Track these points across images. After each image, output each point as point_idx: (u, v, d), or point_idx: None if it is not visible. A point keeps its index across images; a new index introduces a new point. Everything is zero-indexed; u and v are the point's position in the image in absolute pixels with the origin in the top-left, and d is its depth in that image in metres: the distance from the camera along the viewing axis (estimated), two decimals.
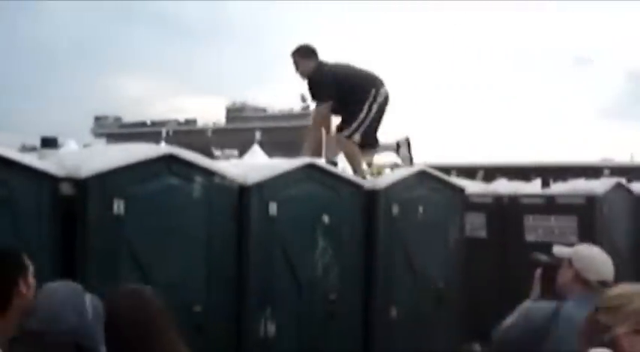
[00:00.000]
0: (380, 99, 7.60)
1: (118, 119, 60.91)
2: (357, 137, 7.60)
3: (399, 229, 7.24)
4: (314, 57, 7.66)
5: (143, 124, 57.33)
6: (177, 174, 5.58)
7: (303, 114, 57.76)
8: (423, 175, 7.66)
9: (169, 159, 5.54)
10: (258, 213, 6.02)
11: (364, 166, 7.83)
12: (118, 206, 5.17)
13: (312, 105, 8.14)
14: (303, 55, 7.66)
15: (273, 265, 6.18)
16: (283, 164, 6.52)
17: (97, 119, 60.56)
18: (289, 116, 58.65)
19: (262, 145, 24.02)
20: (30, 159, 5.06)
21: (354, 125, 7.57)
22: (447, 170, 9.32)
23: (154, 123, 57.08)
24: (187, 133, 52.36)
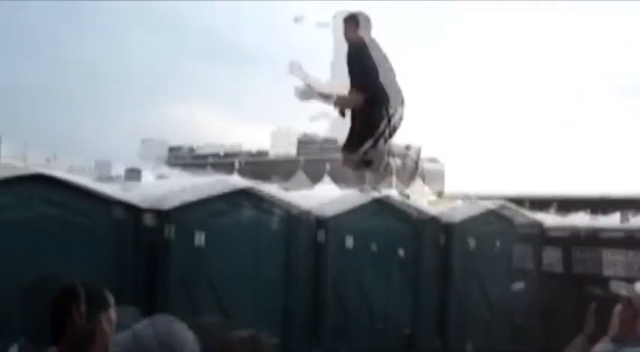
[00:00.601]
0: (394, 120, 6.99)
1: (191, 149, 61.92)
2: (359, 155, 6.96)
3: (475, 263, 7.17)
4: (357, 26, 7.01)
5: (216, 155, 58.19)
6: (255, 207, 5.66)
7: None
8: (500, 209, 7.57)
9: (248, 193, 5.63)
10: (335, 246, 6.05)
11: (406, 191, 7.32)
12: (199, 238, 5.27)
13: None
14: (353, 21, 7.02)
15: (349, 298, 6.20)
16: (359, 197, 6.54)
17: (172, 149, 61.61)
18: None
19: (332, 176, 24.05)
20: (114, 190, 5.21)
21: (365, 146, 6.91)
22: (519, 202, 9.19)
23: (226, 154, 57.92)
24: (259, 164, 52.83)
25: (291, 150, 63.73)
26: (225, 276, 5.46)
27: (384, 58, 7.05)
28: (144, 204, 5.21)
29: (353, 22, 7.01)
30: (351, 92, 6.99)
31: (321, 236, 6.00)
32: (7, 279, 4.64)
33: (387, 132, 6.93)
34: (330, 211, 6.04)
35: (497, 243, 7.38)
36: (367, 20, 7.09)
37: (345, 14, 7.08)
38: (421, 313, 6.72)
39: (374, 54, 6.95)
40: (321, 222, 6.00)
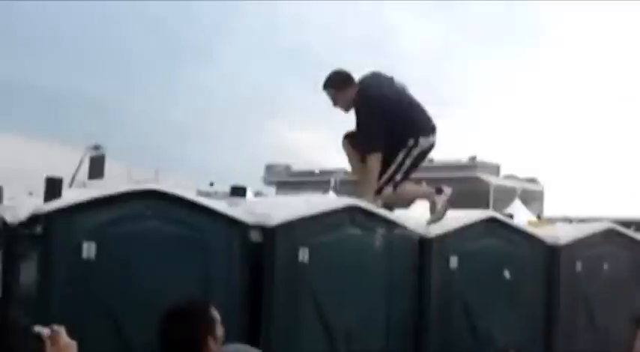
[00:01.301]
0: (415, 152, 6.50)
1: (287, 167, 62.51)
2: (389, 190, 6.48)
3: (582, 287, 6.97)
4: (351, 84, 6.52)
5: (311, 173, 58.58)
6: (359, 224, 5.66)
7: (470, 165, 57.12)
8: (609, 232, 7.34)
9: (352, 210, 5.64)
10: (439, 266, 5.99)
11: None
12: (303, 254, 5.30)
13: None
14: (339, 86, 6.51)
15: (453, 319, 6.11)
16: (464, 217, 6.46)
17: (268, 167, 62.29)
18: (456, 167, 58.11)
19: None
20: (223, 207, 5.29)
21: (384, 179, 6.46)
22: (625, 224, 8.89)
23: (322, 172, 58.26)
24: (353, 184, 52.91)
25: None
26: (329, 293, 5.47)
27: (391, 87, 6.64)
28: (250, 220, 5.28)
29: (333, 91, 6.54)
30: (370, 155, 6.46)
31: (424, 255, 5.94)
32: (120, 293, 4.80)
33: (406, 163, 6.49)
34: (434, 231, 5.98)
35: (606, 267, 7.15)
36: (342, 79, 6.54)
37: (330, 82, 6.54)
38: (525, 337, 6.56)
39: (373, 96, 6.51)
40: (425, 242, 5.94)
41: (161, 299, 4.87)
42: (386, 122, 6.35)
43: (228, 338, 5.16)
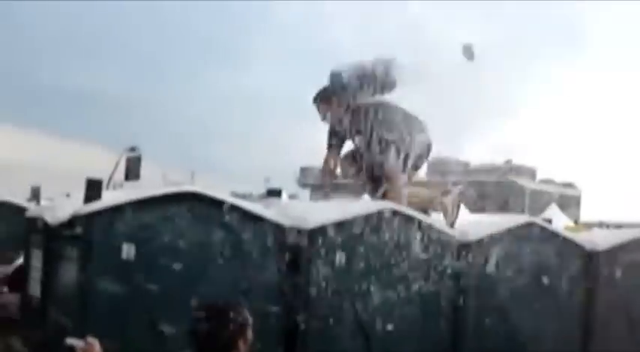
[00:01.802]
0: (414, 151, 6.66)
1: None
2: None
3: (620, 293, 6.89)
4: (335, 97, 6.67)
5: None
6: (397, 229, 5.64)
7: (506, 169, 56.65)
8: None
9: (391, 215, 5.62)
10: (478, 271, 5.95)
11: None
12: (340, 257, 5.30)
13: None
14: (326, 100, 6.70)
15: (491, 324, 6.09)
16: (503, 222, 6.41)
17: (303, 170, 62.41)
18: (491, 170, 57.71)
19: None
20: (259, 209, 5.31)
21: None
22: None
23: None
24: None
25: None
26: (365, 295, 5.46)
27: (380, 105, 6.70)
28: (286, 223, 5.29)
29: (322, 104, 6.72)
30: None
31: (463, 260, 5.91)
32: (158, 293, 4.84)
33: (409, 163, 6.65)
34: (473, 235, 5.94)
35: None
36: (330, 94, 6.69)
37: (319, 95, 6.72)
38: (564, 342, 6.50)
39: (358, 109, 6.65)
40: (463, 246, 5.91)
41: (200, 297, 4.93)
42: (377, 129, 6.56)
43: (266, 338, 5.21)
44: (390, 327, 5.56)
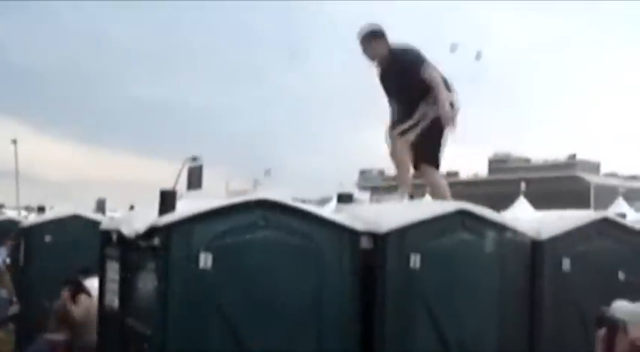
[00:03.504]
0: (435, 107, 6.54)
1: (381, 172, 62.41)
2: (411, 137, 6.55)
3: None
4: (384, 38, 6.69)
5: None
6: (470, 229, 5.61)
7: (569, 163, 55.81)
8: None
9: (463, 215, 5.59)
10: (552, 269, 5.87)
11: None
12: (415, 260, 5.29)
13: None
14: (376, 37, 6.68)
15: (567, 323, 5.97)
16: (572, 217, 6.31)
17: (362, 172, 62.47)
18: (554, 166, 56.87)
19: (527, 196, 23.50)
20: (332, 215, 5.34)
21: (409, 123, 6.54)
22: None
23: (415, 176, 58.05)
24: (449, 186, 52.39)
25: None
26: (440, 298, 5.44)
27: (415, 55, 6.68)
28: (360, 227, 5.30)
29: (380, 36, 6.69)
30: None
31: (536, 258, 5.84)
32: (236, 301, 4.90)
33: (429, 115, 6.53)
34: (546, 233, 5.86)
35: None
36: (379, 31, 6.72)
37: (365, 32, 6.69)
38: None
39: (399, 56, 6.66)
40: (537, 244, 5.83)
41: (276, 306, 4.99)
42: (410, 79, 6.48)
43: (342, 343, 5.22)
44: (466, 329, 5.51)
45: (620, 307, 3.62)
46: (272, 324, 4.98)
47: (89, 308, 8.12)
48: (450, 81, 6.70)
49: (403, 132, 6.55)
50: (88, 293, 8.22)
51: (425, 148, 6.64)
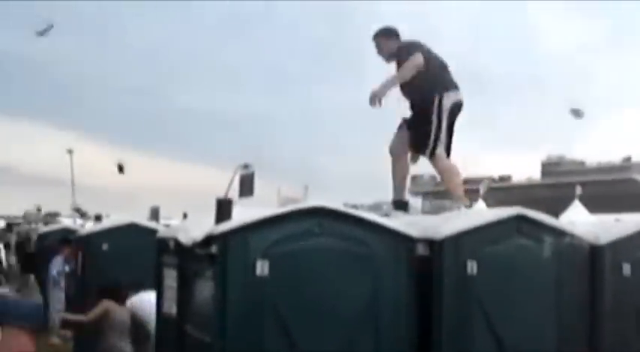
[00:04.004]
0: (445, 107, 6.76)
1: (433, 177, 62.04)
2: (440, 150, 6.76)
3: None
4: (395, 37, 7.08)
5: None
6: (526, 234, 5.55)
7: (624, 166, 54.82)
8: None
9: (519, 220, 5.54)
10: (612, 274, 5.78)
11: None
12: (471, 267, 5.26)
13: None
14: (386, 35, 7.10)
15: (627, 328, 5.88)
16: (635, 222, 6.19)
17: (414, 178, 62.11)
18: (609, 168, 55.93)
19: (581, 200, 23.10)
20: (388, 221, 5.34)
21: (432, 139, 6.74)
22: None
23: (468, 181, 57.53)
24: (502, 190, 51.90)
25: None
26: (498, 305, 5.40)
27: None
28: (416, 234, 5.29)
29: (389, 34, 7.04)
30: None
31: (595, 263, 5.75)
32: (293, 308, 4.93)
33: (444, 121, 6.74)
34: (605, 238, 5.78)
35: None
36: (390, 30, 7.11)
37: (376, 31, 7.06)
38: None
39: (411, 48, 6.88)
40: (596, 249, 5.75)
41: (333, 312, 5.01)
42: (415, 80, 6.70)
43: (398, 350, 5.22)
44: (524, 336, 5.45)
45: None
46: (328, 331, 5.00)
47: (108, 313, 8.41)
48: (454, 80, 6.93)
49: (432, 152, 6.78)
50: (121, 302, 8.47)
51: (417, 135, 6.87)
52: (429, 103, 6.72)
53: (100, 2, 54.44)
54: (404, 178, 7.14)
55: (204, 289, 5.25)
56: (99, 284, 9.19)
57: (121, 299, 8.44)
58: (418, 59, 6.66)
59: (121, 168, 29.91)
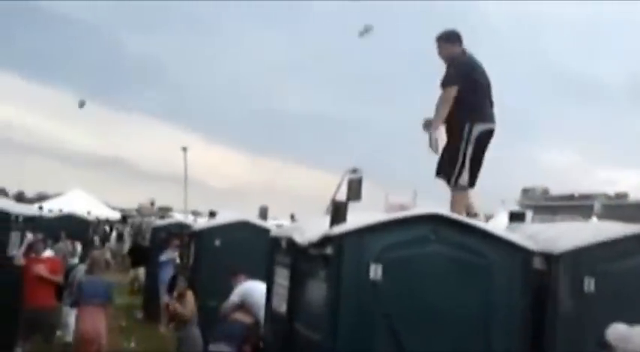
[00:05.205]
0: (473, 136, 6.60)
1: (545, 191, 60.82)
2: (464, 178, 6.56)
3: None
4: (458, 43, 6.97)
5: (570, 197, 56.50)
6: None
7: None
8: None
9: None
10: None
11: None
12: (589, 283, 5.13)
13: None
14: (447, 39, 7.00)
15: None
16: None
17: (525, 191, 61.02)
18: None
19: None
20: (505, 233, 5.26)
21: (457, 168, 6.58)
22: None
23: (581, 196, 55.99)
24: (619, 208, 50.27)
25: None
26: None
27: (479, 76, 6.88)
28: (533, 247, 5.20)
29: (448, 39, 6.97)
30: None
31: None
32: (404, 313, 4.93)
33: (468, 152, 6.59)
34: None
35: None
36: (453, 34, 7.03)
37: (439, 34, 7.01)
38: None
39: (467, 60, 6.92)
40: None
41: (444, 320, 4.98)
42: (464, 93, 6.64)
43: None
44: None
45: (613, 331, 3.68)
46: (438, 337, 4.97)
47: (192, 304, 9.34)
48: (489, 108, 6.81)
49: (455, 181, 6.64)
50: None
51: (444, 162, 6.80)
52: (459, 131, 6.67)
53: None
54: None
55: (317, 289, 5.30)
56: (210, 276, 9.52)
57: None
58: (450, 94, 6.64)
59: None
